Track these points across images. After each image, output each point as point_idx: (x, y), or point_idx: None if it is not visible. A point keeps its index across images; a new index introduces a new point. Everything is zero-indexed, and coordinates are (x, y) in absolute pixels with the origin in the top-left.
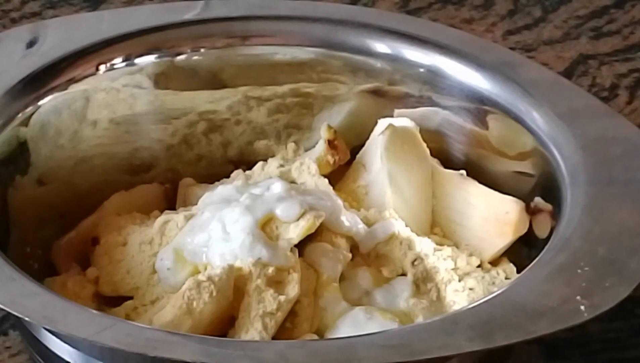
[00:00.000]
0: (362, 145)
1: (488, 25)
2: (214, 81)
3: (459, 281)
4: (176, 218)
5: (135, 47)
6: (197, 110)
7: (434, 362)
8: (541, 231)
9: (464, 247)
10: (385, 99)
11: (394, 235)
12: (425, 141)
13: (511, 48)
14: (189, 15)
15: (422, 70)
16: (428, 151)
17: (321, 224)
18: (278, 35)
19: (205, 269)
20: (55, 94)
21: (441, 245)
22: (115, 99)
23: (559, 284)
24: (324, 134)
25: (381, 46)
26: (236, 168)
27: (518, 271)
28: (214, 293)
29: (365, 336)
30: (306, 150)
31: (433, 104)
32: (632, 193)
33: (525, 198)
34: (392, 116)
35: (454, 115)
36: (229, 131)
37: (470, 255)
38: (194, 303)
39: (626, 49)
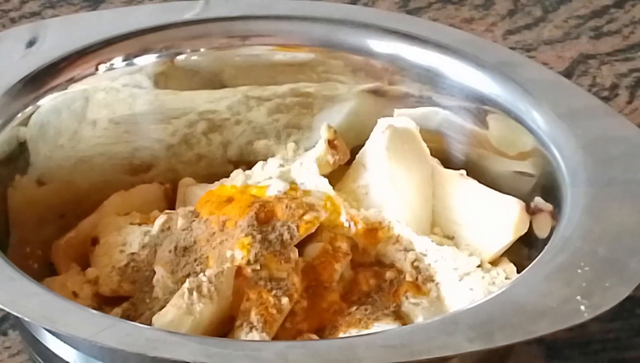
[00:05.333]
0: (362, 145)
1: (488, 25)
2: (214, 80)
3: (459, 281)
4: (176, 218)
5: (135, 47)
6: (197, 110)
7: (434, 362)
8: (541, 231)
9: (464, 247)
10: (385, 99)
11: (393, 235)
12: (425, 141)
13: (511, 48)
14: (189, 15)
15: (422, 70)
16: (428, 151)
17: (321, 224)
18: (278, 35)
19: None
20: (55, 94)
21: (441, 245)
22: (115, 99)
23: (559, 284)
24: (324, 134)
25: (381, 46)
26: (236, 168)
27: (518, 271)
28: (214, 294)
29: (365, 336)
30: (306, 150)
31: (433, 104)
32: (632, 193)
33: (526, 198)
34: (392, 116)
35: (454, 115)
36: (228, 131)
37: (470, 255)
38: (194, 303)
39: (626, 48)
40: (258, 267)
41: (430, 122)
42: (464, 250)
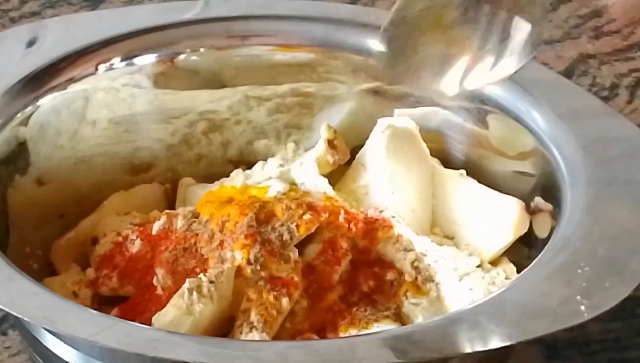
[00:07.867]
0: (362, 145)
1: None
2: (214, 80)
3: (459, 281)
4: (176, 218)
5: (134, 46)
6: (197, 110)
7: (434, 362)
8: (541, 231)
9: (464, 247)
10: (385, 98)
11: (393, 235)
12: (425, 141)
13: None
14: (188, 15)
15: None
16: (428, 151)
17: (321, 224)
18: (278, 35)
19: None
20: (55, 94)
21: (441, 245)
22: (115, 99)
23: (559, 284)
24: (323, 134)
25: (381, 46)
26: (236, 168)
27: (518, 271)
28: (214, 294)
29: (365, 336)
30: (306, 150)
31: (433, 103)
32: (633, 193)
33: (525, 198)
34: (392, 116)
35: (454, 115)
36: (228, 131)
37: (470, 255)
38: (194, 303)
39: (626, 48)
40: (258, 267)
41: (430, 122)
42: (464, 250)
